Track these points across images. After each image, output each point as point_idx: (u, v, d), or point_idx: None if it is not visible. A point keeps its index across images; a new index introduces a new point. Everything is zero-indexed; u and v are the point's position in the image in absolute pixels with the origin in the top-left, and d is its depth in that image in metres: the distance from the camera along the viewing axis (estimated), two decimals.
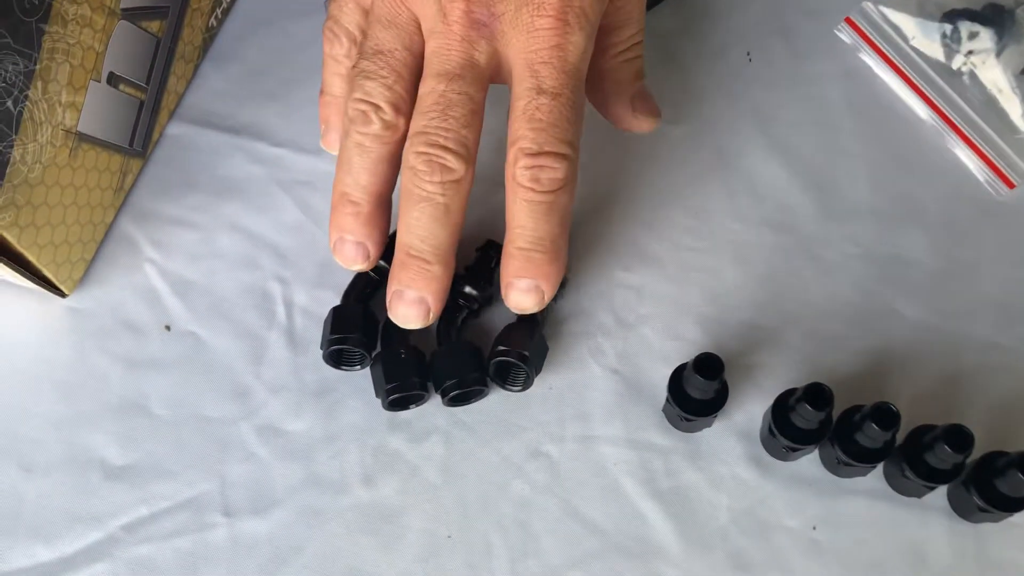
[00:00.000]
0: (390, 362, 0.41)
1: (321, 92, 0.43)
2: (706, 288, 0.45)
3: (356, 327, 0.42)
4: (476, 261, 0.44)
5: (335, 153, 0.41)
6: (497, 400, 0.43)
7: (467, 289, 0.43)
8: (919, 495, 0.41)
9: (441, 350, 0.42)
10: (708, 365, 0.38)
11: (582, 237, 0.46)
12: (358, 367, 0.43)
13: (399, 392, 0.41)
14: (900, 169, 0.48)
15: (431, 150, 0.37)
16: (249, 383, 0.43)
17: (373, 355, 0.42)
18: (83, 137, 0.43)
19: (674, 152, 0.48)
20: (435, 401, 0.42)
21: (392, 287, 0.39)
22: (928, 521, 0.41)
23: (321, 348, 0.42)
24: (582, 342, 0.44)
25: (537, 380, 0.43)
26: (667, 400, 0.41)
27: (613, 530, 0.41)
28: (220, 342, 0.44)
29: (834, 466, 0.41)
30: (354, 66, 0.39)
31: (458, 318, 0.43)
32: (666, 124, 0.46)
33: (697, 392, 0.39)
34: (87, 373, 0.44)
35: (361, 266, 0.41)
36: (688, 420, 0.40)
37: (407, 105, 0.38)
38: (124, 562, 0.40)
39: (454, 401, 0.42)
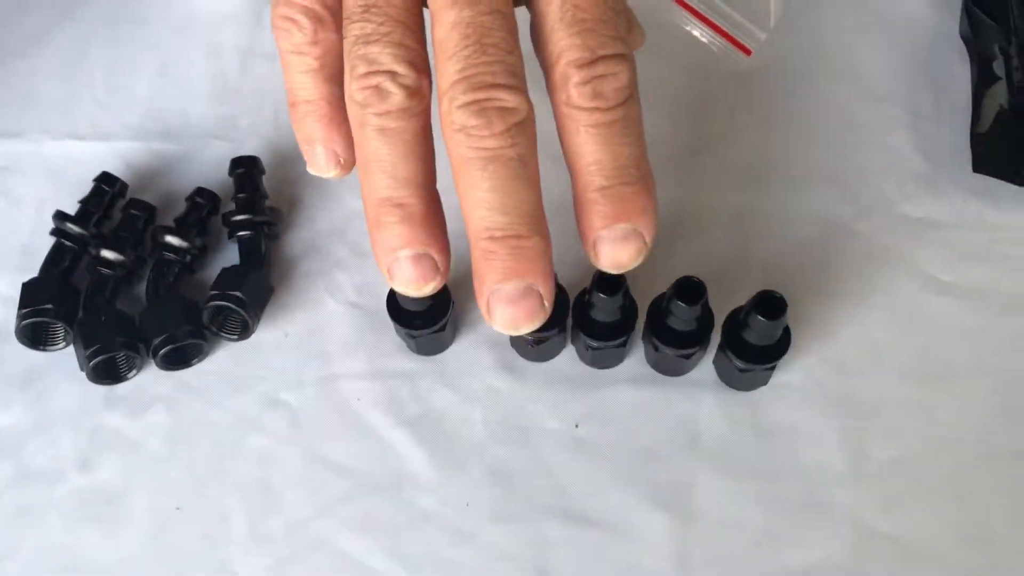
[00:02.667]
0: (88, 327, 0.37)
1: (291, 104, 0.32)
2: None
3: (51, 298, 0.38)
4: (186, 211, 0.41)
5: (332, 175, 0.32)
6: (226, 356, 0.39)
7: (174, 241, 0.39)
8: (681, 371, 0.38)
9: (148, 308, 0.38)
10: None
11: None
12: (63, 345, 0.39)
13: (100, 355, 0.37)
14: (638, 57, 0.46)
15: (480, 95, 0.28)
16: None
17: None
18: None
19: None
20: (157, 370, 0.38)
21: (484, 290, 0.28)
22: (698, 398, 0.38)
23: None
24: (317, 281, 0.41)
25: (271, 327, 0.39)
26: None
27: (361, 468, 0.37)
28: None
29: (586, 354, 0.38)
30: (344, 37, 0.30)
31: (168, 274, 0.39)
32: None
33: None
34: None
35: (434, 285, 0.30)
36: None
37: (425, 61, 0.30)
38: None
39: (169, 362, 0.38)
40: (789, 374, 0.38)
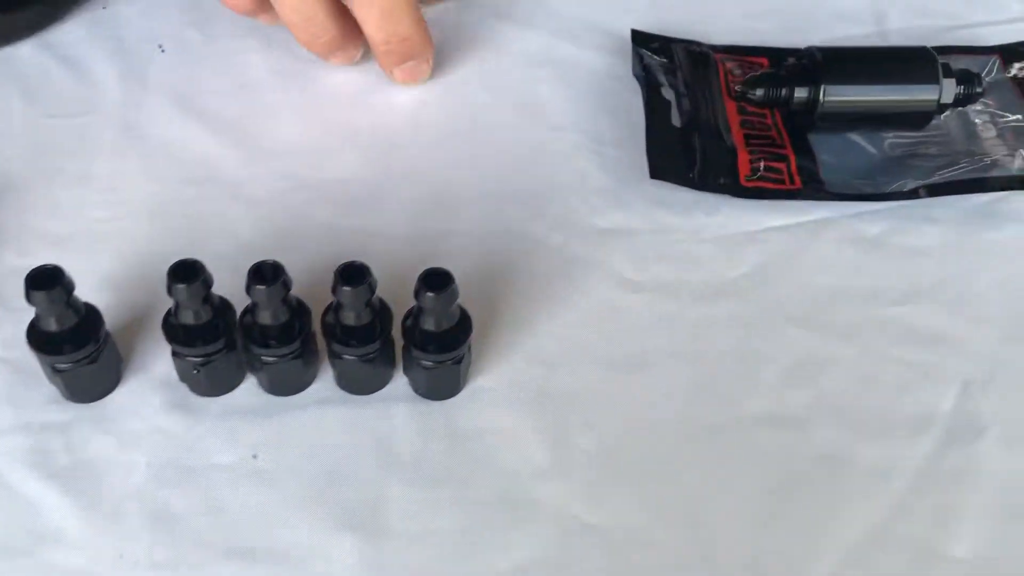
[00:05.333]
0: None
1: None
2: (117, 251, 0.39)
3: None
4: None
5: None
6: None
7: None
8: (372, 387, 0.35)
9: None
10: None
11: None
12: None
13: None
14: (327, 107, 0.45)
15: None
16: None
17: None
18: None
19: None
20: None
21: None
22: (391, 414, 0.35)
23: None
24: None
25: None
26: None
27: None
28: None
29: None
30: None
31: None
32: None
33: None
34: None
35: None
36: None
37: None
38: None
39: None
40: (486, 378, 0.36)
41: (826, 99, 0.43)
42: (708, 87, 0.47)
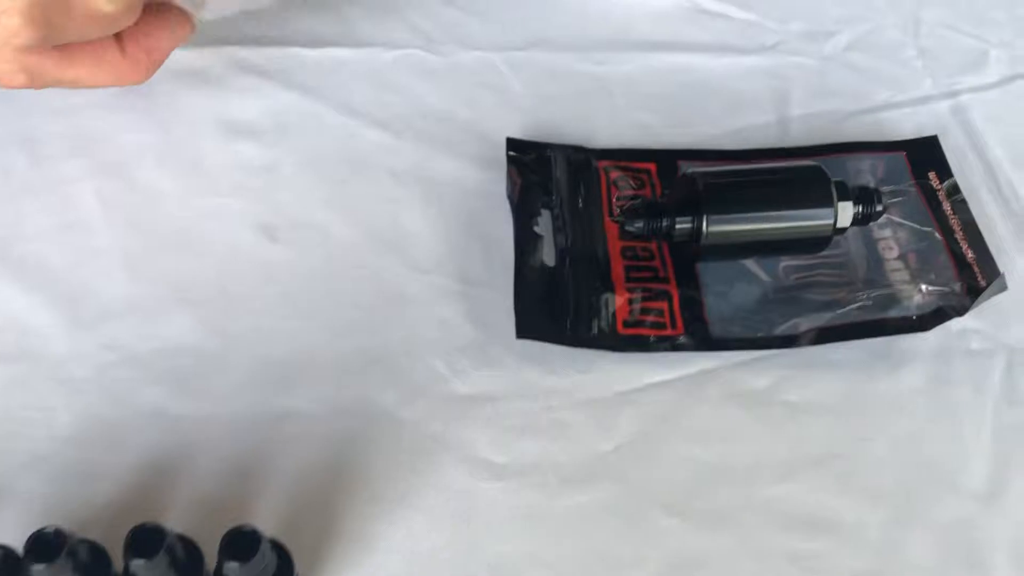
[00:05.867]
0: None
1: None
2: None
3: None
4: None
5: None
6: None
7: None
8: None
9: None
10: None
11: None
12: None
13: None
14: (160, 250, 0.41)
15: None
16: None
17: None
18: None
19: None
20: None
21: None
22: None
23: None
24: None
25: None
26: None
27: None
28: None
29: None
30: None
31: None
32: None
33: None
34: None
35: None
36: None
37: None
38: None
39: None
40: None
41: (709, 230, 0.39)
42: (588, 207, 0.43)
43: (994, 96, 0.50)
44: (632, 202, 0.41)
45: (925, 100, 0.49)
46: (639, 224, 0.40)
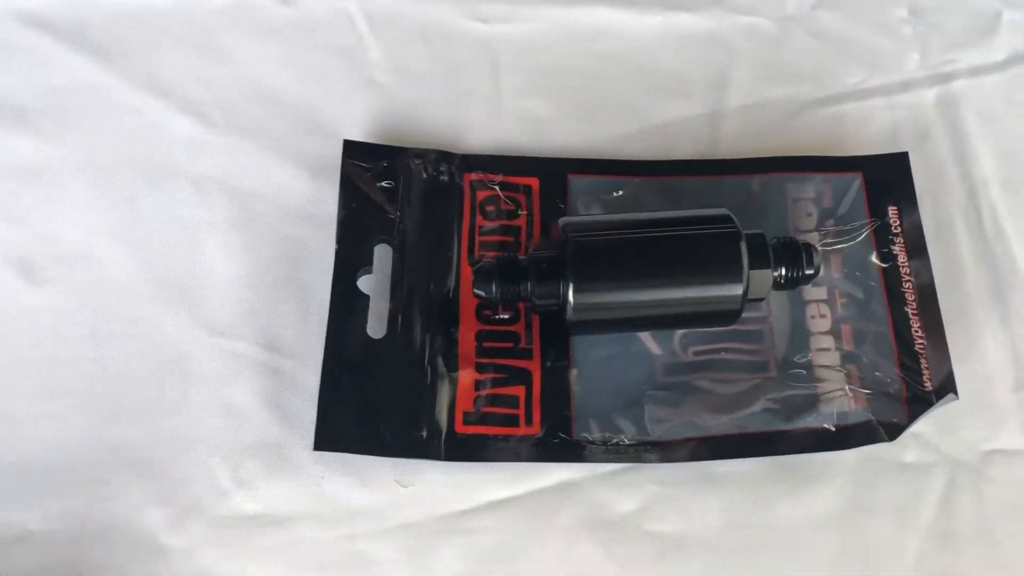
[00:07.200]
0: None
1: None
2: None
3: None
4: None
5: None
6: None
7: None
8: None
9: None
10: None
11: None
12: None
13: None
14: None
15: None
16: None
17: None
18: None
19: None
20: None
21: None
22: None
23: None
24: None
25: None
26: None
27: None
28: None
29: None
30: None
31: None
32: None
33: None
34: None
35: None
36: None
37: None
38: None
39: None
40: None
41: (576, 302, 0.30)
42: (442, 243, 0.33)
43: (996, 83, 0.38)
44: (484, 260, 0.31)
45: (907, 86, 0.38)
46: (493, 288, 0.31)
